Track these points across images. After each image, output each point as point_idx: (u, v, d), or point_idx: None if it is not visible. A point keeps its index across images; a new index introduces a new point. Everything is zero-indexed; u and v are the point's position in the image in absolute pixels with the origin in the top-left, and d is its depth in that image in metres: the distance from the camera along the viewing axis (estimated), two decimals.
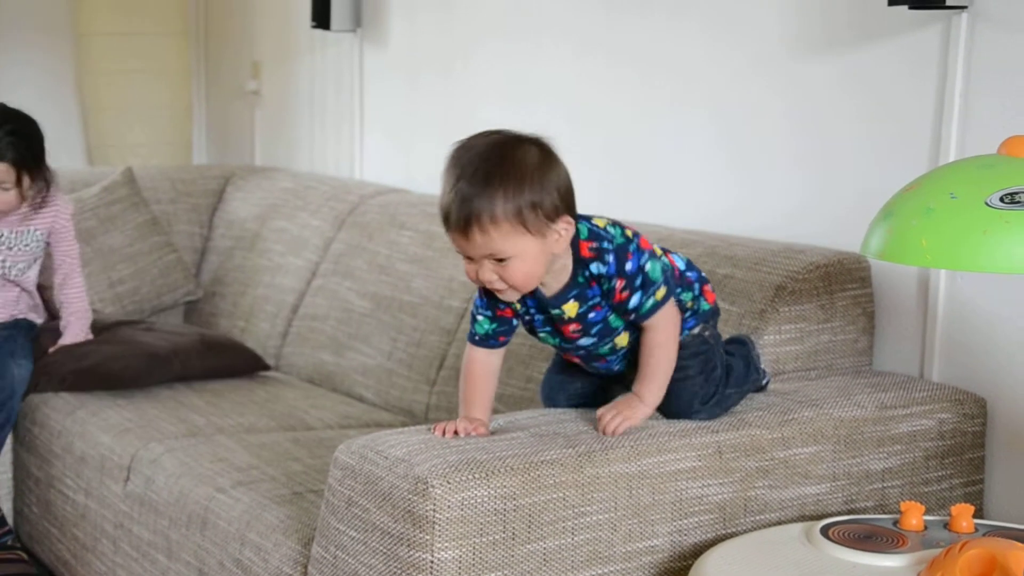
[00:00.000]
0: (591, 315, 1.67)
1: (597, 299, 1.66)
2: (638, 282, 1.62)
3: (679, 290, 1.72)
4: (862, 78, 2.11)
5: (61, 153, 3.90)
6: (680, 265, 1.75)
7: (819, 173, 2.20)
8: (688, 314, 1.74)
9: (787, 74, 2.24)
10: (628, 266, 1.62)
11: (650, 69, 2.50)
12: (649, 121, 2.52)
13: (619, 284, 1.62)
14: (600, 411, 1.66)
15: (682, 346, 1.72)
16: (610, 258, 1.62)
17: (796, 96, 2.23)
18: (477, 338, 1.71)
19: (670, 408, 1.74)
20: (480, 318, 1.70)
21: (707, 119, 2.39)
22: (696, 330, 1.75)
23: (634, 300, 1.63)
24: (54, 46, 3.90)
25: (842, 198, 2.16)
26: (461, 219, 1.55)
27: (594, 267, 1.63)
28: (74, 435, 2.47)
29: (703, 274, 1.80)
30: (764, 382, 1.88)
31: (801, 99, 2.22)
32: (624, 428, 1.65)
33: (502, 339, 1.72)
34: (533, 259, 1.58)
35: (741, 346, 1.83)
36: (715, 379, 1.74)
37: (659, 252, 1.69)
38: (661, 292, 1.64)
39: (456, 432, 1.67)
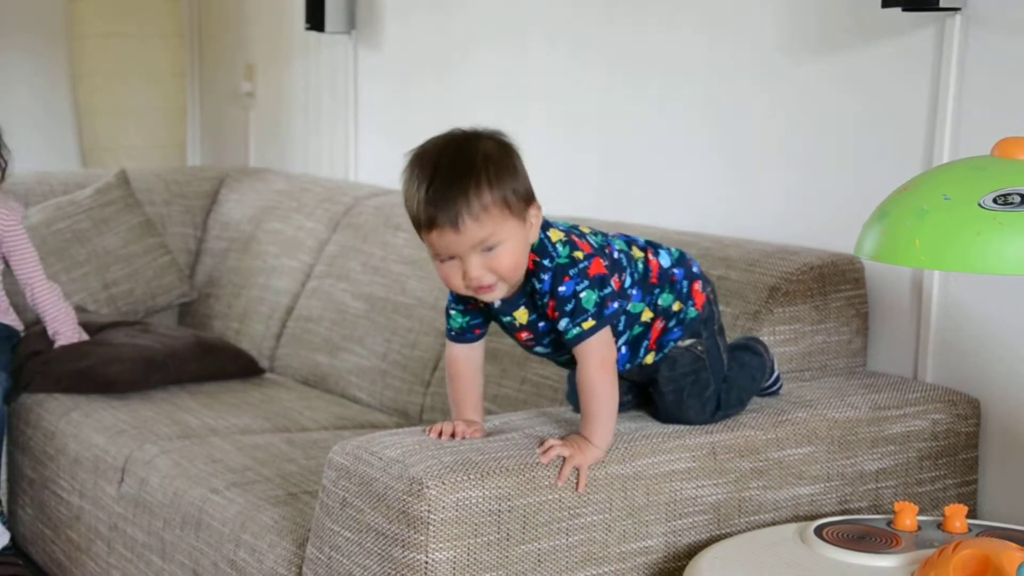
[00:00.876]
0: (540, 324, 1.65)
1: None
2: (568, 307, 1.59)
3: (657, 291, 1.69)
4: (856, 80, 2.12)
5: (55, 155, 3.91)
6: (664, 262, 1.71)
7: (813, 174, 2.21)
8: (673, 323, 1.71)
9: (781, 75, 2.24)
10: (561, 288, 1.58)
11: (645, 70, 2.50)
12: (644, 122, 2.52)
13: (551, 304, 1.60)
14: (547, 443, 1.60)
15: (672, 362, 1.70)
16: (546, 276, 1.59)
17: (790, 97, 2.23)
18: (453, 333, 1.71)
19: (669, 421, 1.73)
20: (453, 312, 1.69)
21: (702, 120, 2.40)
22: (685, 343, 1.71)
23: (562, 324, 1.60)
24: (48, 48, 3.90)
25: (836, 199, 2.16)
26: (452, 212, 1.53)
27: (535, 281, 1.61)
28: (68, 436, 2.47)
29: (695, 269, 1.74)
30: (776, 388, 1.85)
31: (795, 100, 2.22)
32: (585, 480, 1.58)
33: (477, 331, 1.70)
34: (519, 244, 1.57)
35: (753, 356, 1.78)
36: (711, 399, 1.71)
37: (611, 278, 1.61)
38: (588, 323, 1.58)
39: (452, 434, 1.67)
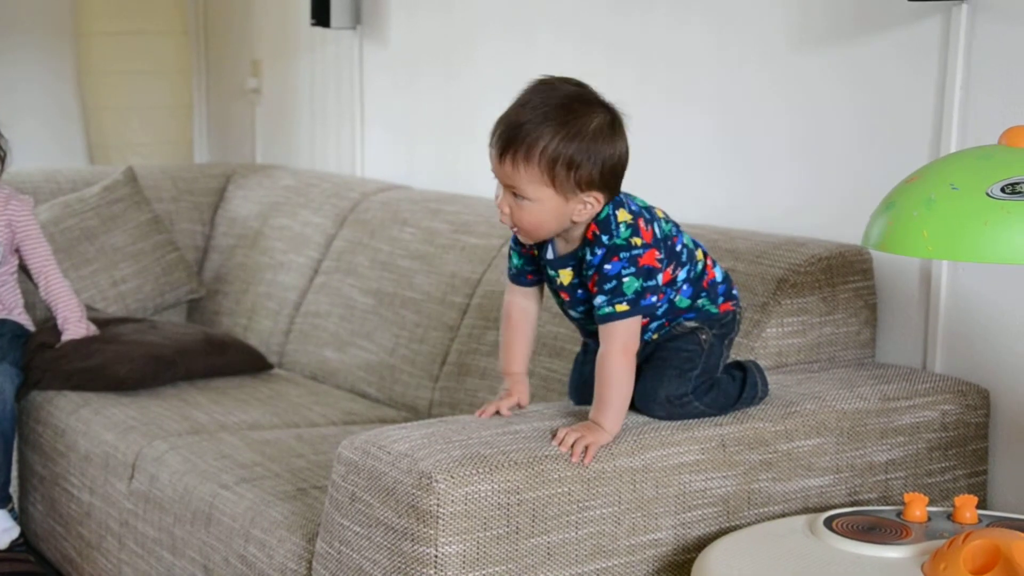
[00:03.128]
0: (579, 291, 1.67)
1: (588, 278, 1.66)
2: (608, 286, 1.61)
3: (704, 294, 1.71)
4: (863, 70, 2.11)
5: (62, 152, 3.92)
6: (718, 275, 1.75)
7: (819, 165, 2.20)
8: (692, 312, 1.73)
9: (788, 66, 2.24)
10: (607, 267, 1.61)
11: (650, 63, 2.50)
12: (650, 114, 2.51)
13: (594, 277, 1.62)
14: (561, 430, 1.63)
15: (672, 334, 1.71)
16: (599, 251, 1.62)
17: (797, 88, 2.23)
18: (512, 272, 1.75)
19: (639, 391, 1.70)
20: (511, 252, 1.74)
21: (708, 111, 2.39)
22: (691, 324, 1.72)
23: (598, 299, 1.62)
24: (55, 46, 3.91)
25: (843, 190, 2.16)
26: (503, 141, 1.58)
27: (588, 251, 1.63)
28: (78, 433, 2.48)
29: (735, 292, 1.77)
30: (755, 403, 1.80)
31: (802, 91, 2.22)
32: (591, 456, 1.59)
33: (530, 277, 1.73)
34: (548, 212, 1.59)
35: (747, 374, 1.77)
36: (689, 381, 1.70)
37: (662, 272, 1.63)
38: (622, 307, 1.60)
39: (498, 412, 1.70)
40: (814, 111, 2.20)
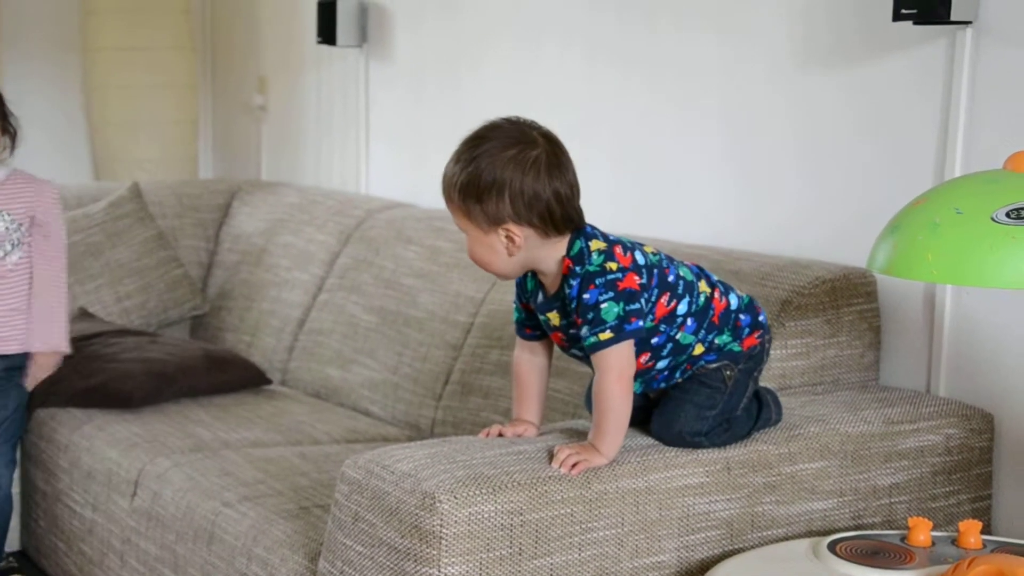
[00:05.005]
0: (571, 330, 1.66)
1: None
2: (589, 316, 1.60)
3: (716, 332, 1.69)
4: (868, 92, 2.12)
5: (68, 167, 3.92)
6: (732, 303, 1.72)
7: (824, 186, 2.21)
8: (712, 353, 1.70)
9: (793, 87, 2.24)
10: (586, 296, 1.60)
11: (658, 80, 2.51)
12: (657, 132, 2.52)
13: (577, 310, 1.62)
14: (559, 446, 1.63)
15: (696, 372, 1.70)
16: (575, 283, 1.61)
17: (802, 109, 2.23)
18: (516, 326, 1.76)
19: (656, 420, 1.71)
20: (515, 304, 1.76)
21: (714, 131, 2.40)
22: (714, 365, 1.71)
23: (583, 331, 1.62)
24: (62, 61, 3.92)
25: (846, 211, 2.16)
26: (441, 184, 1.64)
27: (565, 286, 1.63)
28: (81, 450, 2.47)
29: (761, 319, 1.74)
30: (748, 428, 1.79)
31: (807, 112, 2.22)
32: (581, 469, 1.60)
33: (529, 331, 1.74)
34: (480, 245, 1.64)
35: (761, 409, 1.76)
36: (708, 418, 1.69)
37: (644, 296, 1.61)
38: (606, 335, 1.59)
39: (501, 434, 1.70)
40: (819, 133, 2.21)
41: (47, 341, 2.45)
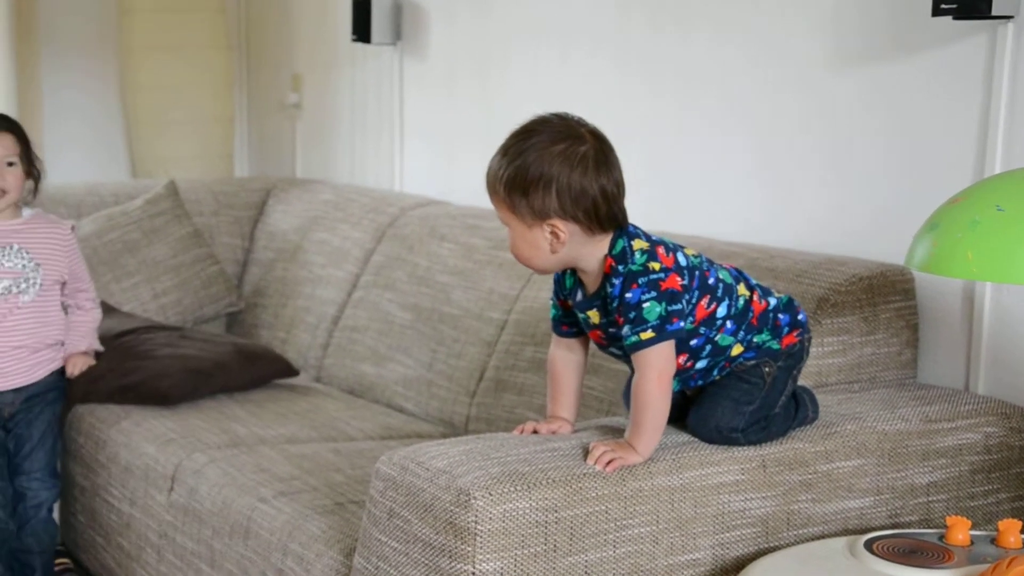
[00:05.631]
0: (611, 329, 1.66)
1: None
2: (631, 315, 1.60)
3: (755, 331, 1.69)
4: (905, 88, 2.10)
5: (106, 165, 3.96)
6: (771, 304, 1.71)
7: (858, 183, 2.19)
8: (751, 351, 1.70)
9: (828, 84, 2.22)
10: (628, 295, 1.60)
11: (688, 80, 2.50)
12: (686, 132, 2.51)
13: (619, 309, 1.62)
14: (595, 443, 1.64)
15: (735, 369, 1.70)
16: (617, 282, 1.61)
17: (840, 107, 2.21)
18: (552, 323, 1.76)
19: (693, 415, 1.71)
20: (551, 303, 1.75)
21: (745, 132, 2.39)
22: (752, 362, 1.71)
23: (624, 329, 1.62)
24: (99, 61, 3.96)
25: (881, 209, 2.14)
26: (485, 177, 1.63)
27: (608, 285, 1.63)
28: (119, 445, 2.50)
29: (801, 317, 1.73)
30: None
31: (846, 110, 2.21)
32: (616, 466, 1.60)
33: (565, 328, 1.74)
34: (523, 240, 1.63)
35: (798, 408, 1.76)
36: (744, 414, 1.69)
37: (687, 297, 1.61)
38: (647, 334, 1.59)
39: (535, 431, 1.70)
40: (857, 130, 2.19)
41: (76, 346, 2.56)
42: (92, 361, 2.59)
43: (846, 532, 1.75)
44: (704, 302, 1.65)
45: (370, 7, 3.22)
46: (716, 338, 1.67)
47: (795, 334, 1.73)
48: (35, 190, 2.50)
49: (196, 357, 2.72)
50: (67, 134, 3.87)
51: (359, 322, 2.90)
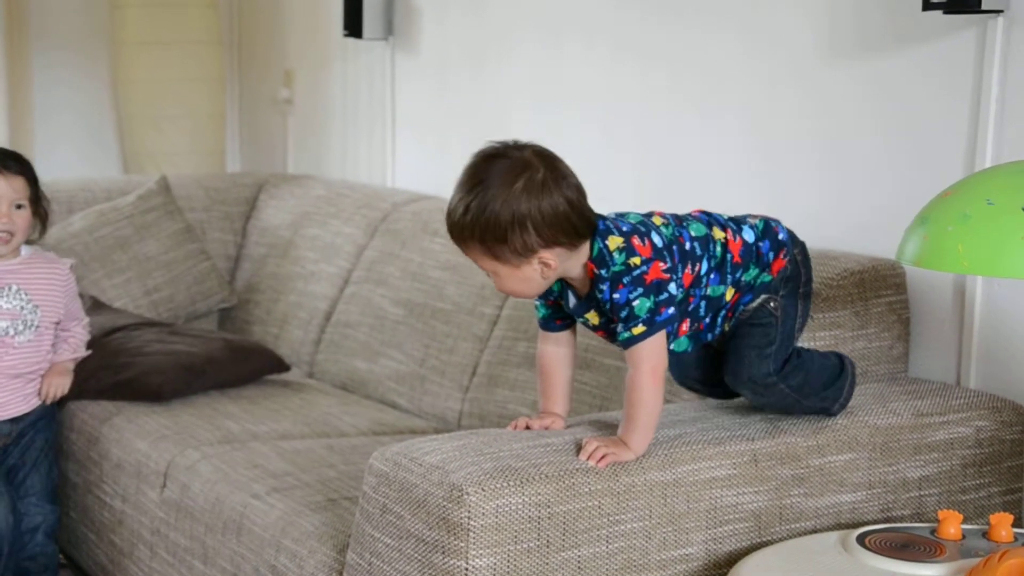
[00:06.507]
0: (611, 326, 1.67)
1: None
2: (623, 314, 1.62)
3: (741, 270, 1.69)
4: (894, 83, 2.10)
5: (97, 160, 3.95)
6: (748, 237, 1.71)
7: (849, 178, 2.19)
8: (745, 291, 1.71)
9: (818, 78, 2.23)
10: (616, 296, 1.61)
11: (682, 72, 2.50)
12: (680, 124, 2.51)
13: (611, 309, 1.64)
14: (588, 438, 1.64)
15: (741, 317, 1.71)
16: (603, 286, 1.62)
17: (829, 101, 2.22)
18: (541, 321, 1.76)
19: (727, 372, 1.73)
20: (537, 303, 1.75)
21: (738, 123, 2.39)
22: (755, 303, 1.72)
23: (618, 328, 1.63)
24: (90, 56, 3.95)
25: (871, 203, 2.15)
26: (449, 231, 1.62)
27: (596, 290, 1.64)
28: (111, 441, 2.50)
29: (781, 236, 1.73)
30: (835, 408, 1.79)
31: (834, 104, 2.21)
32: (609, 462, 1.61)
33: (559, 322, 1.74)
34: (511, 279, 1.62)
35: (838, 361, 1.78)
36: (770, 356, 1.70)
37: (672, 283, 1.62)
38: (639, 329, 1.61)
39: (528, 427, 1.71)
40: (846, 124, 2.19)
41: (62, 355, 2.53)
42: (67, 386, 2.53)
43: (838, 526, 1.75)
44: (688, 269, 1.66)
45: (361, 2, 3.21)
46: (707, 292, 1.69)
47: (781, 255, 1.73)
48: (42, 230, 2.49)
49: (188, 353, 2.72)
50: (58, 129, 3.86)
51: (351, 318, 2.90)
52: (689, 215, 1.73)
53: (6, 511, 2.40)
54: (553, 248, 1.60)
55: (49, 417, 2.55)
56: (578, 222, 1.61)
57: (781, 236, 1.75)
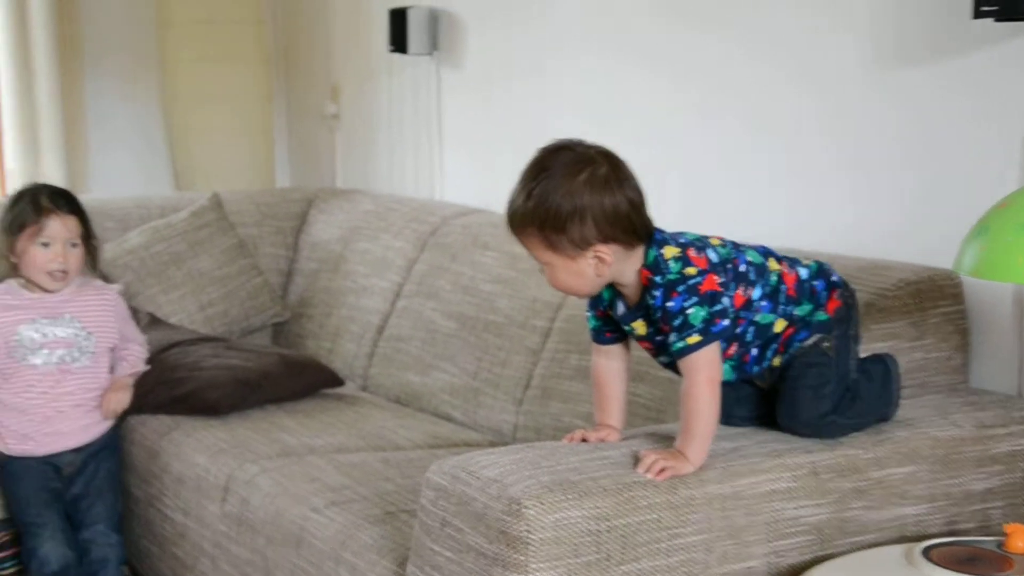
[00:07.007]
0: (658, 338, 1.67)
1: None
2: (676, 322, 1.62)
3: (794, 304, 1.70)
4: (949, 92, 2.08)
5: (149, 177, 4.01)
6: (802, 274, 1.73)
7: (890, 190, 2.17)
8: (800, 326, 1.72)
9: (882, 86, 2.21)
10: (670, 304, 1.62)
11: (721, 88, 2.49)
12: (719, 138, 2.51)
13: (663, 318, 1.64)
14: (645, 451, 1.64)
15: (797, 354, 1.71)
16: (658, 292, 1.63)
17: (882, 112, 2.20)
18: (591, 333, 1.77)
19: (780, 414, 1.73)
20: (588, 315, 1.76)
21: (777, 136, 2.38)
22: (810, 341, 1.72)
23: (672, 337, 1.63)
24: (140, 75, 4.00)
25: (917, 214, 2.13)
26: (507, 220, 1.65)
27: (648, 296, 1.65)
28: (171, 456, 2.53)
29: (835, 278, 1.75)
30: (890, 413, 1.80)
31: (888, 115, 2.19)
32: (667, 475, 1.61)
33: (609, 335, 1.75)
34: (564, 272, 1.64)
35: (882, 368, 1.78)
36: (827, 396, 1.70)
37: (726, 296, 1.63)
38: (694, 339, 1.61)
39: (584, 439, 1.72)
40: (898, 135, 2.17)
41: (123, 371, 2.59)
42: (127, 400, 2.58)
43: (902, 540, 1.74)
44: (740, 290, 1.67)
45: (406, 18, 3.24)
46: (756, 318, 1.69)
47: (836, 295, 1.74)
48: (94, 265, 2.55)
49: (244, 368, 2.75)
50: (112, 149, 3.91)
51: (403, 331, 2.92)
52: (748, 245, 1.74)
53: (63, 549, 2.43)
54: (609, 244, 1.61)
55: (112, 447, 2.59)
56: (637, 223, 1.63)
57: (834, 278, 1.76)
